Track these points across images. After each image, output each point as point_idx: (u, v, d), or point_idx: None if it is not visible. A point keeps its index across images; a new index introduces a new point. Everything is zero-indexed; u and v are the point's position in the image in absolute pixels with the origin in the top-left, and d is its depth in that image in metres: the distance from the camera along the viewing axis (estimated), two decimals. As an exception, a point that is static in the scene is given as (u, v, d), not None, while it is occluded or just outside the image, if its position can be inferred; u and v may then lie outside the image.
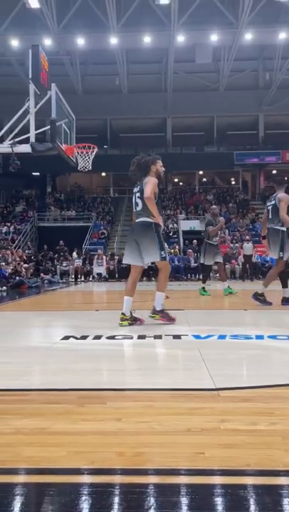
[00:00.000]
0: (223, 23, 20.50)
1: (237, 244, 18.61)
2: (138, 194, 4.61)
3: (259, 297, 6.10)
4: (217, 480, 1.26)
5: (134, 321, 4.43)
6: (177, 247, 19.46)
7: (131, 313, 4.45)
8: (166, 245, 4.80)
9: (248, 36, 20.59)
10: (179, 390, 2.13)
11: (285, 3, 19.37)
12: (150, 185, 4.48)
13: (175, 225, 22.25)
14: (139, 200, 4.59)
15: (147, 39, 20.88)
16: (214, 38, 20.71)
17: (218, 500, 1.15)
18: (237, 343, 3.42)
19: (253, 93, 26.19)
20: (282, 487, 1.23)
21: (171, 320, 4.44)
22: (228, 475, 1.27)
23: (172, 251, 18.63)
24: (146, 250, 4.46)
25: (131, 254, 4.57)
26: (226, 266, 17.26)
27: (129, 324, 4.36)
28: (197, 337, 3.60)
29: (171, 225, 22.25)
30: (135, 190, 4.70)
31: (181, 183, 29.34)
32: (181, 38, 20.83)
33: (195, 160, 25.97)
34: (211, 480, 1.26)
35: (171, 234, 21.62)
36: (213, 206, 10.44)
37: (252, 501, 1.15)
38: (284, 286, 6.20)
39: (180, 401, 1.97)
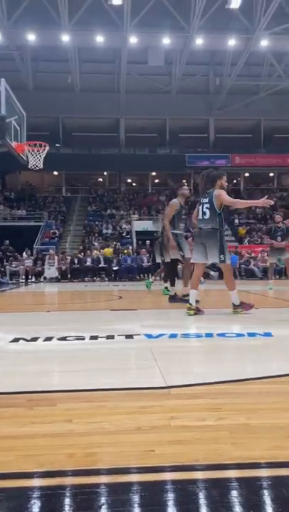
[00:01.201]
0: (175, 27, 20.83)
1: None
2: (207, 205, 5.16)
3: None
4: (166, 476, 1.28)
5: (198, 311, 5.05)
6: (130, 247, 19.52)
7: (195, 304, 5.03)
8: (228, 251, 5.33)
9: (199, 41, 21.04)
10: (131, 390, 2.14)
11: (234, 11, 19.98)
12: (224, 194, 5.14)
13: (128, 225, 22.31)
14: (207, 210, 5.14)
15: (100, 38, 20.81)
16: (166, 41, 21.00)
17: (168, 496, 1.17)
18: (187, 341, 3.49)
19: (204, 97, 26.80)
20: (229, 480, 1.27)
21: (251, 307, 5.10)
22: (178, 471, 1.30)
23: (125, 251, 18.67)
24: (211, 252, 5.09)
25: (198, 254, 5.17)
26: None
27: (194, 314, 4.98)
28: (149, 336, 3.63)
29: (124, 226, 22.29)
30: (204, 200, 5.24)
31: (134, 184, 29.48)
32: (133, 40, 20.93)
33: (148, 161, 26.18)
34: (160, 477, 1.27)
35: (124, 234, 21.67)
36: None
37: (201, 495, 1.18)
38: (172, 284, 6.51)
39: (131, 400, 1.98)
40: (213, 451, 1.42)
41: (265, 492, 1.20)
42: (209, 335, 3.71)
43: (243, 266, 17.67)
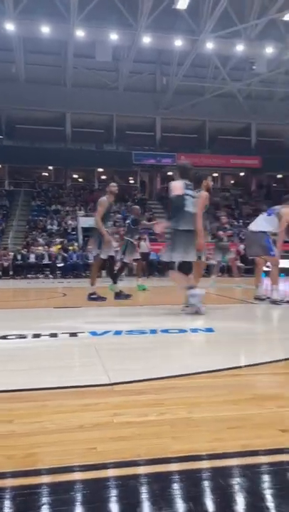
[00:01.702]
0: (123, 23, 20.79)
1: (135, 242, 19.00)
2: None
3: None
4: (108, 473, 1.28)
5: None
6: (76, 243, 19.28)
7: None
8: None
9: (147, 39, 21.14)
10: (74, 388, 2.12)
11: (181, 12, 20.27)
12: (202, 201, 5.24)
13: (74, 221, 22.01)
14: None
15: (45, 29, 20.31)
16: (114, 37, 20.89)
17: (109, 493, 1.17)
18: (132, 338, 3.51)
19: (151, 96, 26.98)
20: (170, 473, 1.29)
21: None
22: (119, 467, 1.30)
23: (71, 248, 18.43)
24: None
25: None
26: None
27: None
28: (93, 334, 3.62)
29: (70, 222, 21.97)
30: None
31: (80, 180, 29.12)
32: (80, 33, 20.64)
33: (94, 157, 25.96)
34: (101, 474, 1.27)
35: (69, 231, 21.36)
36: (135, 206, 10.24)
37: (141, 490, 1.19)
38: (114, 282, 6.87)
39: (74, 398, 1.97)
40: (155, 445, 1.44)
41: (205, 483, 1.23)
42: (153, 331, 3.75)
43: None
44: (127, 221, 9.07)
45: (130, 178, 29.06)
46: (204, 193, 5.45)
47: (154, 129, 27.81)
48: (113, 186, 6.87)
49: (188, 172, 5.29)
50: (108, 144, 27.17)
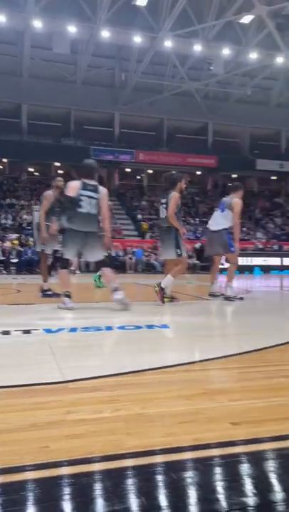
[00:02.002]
0: (82, 16, 20.52)
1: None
2: (164, 205, 5.65)
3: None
4: (61, 471, 1.27)
5: (171, 300, 5.66)
6: (31, 239, 18.86)
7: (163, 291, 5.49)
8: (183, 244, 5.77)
9: (106, 34, 20.98)
10: (27, 386, 2.08)
11: (140, 8, 20.27)
12: (174, 202, 5.53)
13: (29, 216, 21.51)
14: (164, 210, 5.65)
15: (1, 18, 19.67)
16: (72, 29, 20.57)
17: (62, 491, 1.17)
18: (88, 335, 3.49)
19: (110, 91, 26.82)
20: (123, 469, 1.30)
21: (161, 300, 5.46)
22: (72, 465, 1.29)
23: (27, 243, 18.03)
24: (167, 248, 5.63)
25: (161, 251, 5.85)
26: (81, 259, 17.42)
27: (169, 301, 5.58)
28: (48, 331, 3.56)
29: (25, 216, 21.46)
30: (163, 201, 5.73)
31: (36, 174, 28.49)
32: (38, 24, 20.15)
33: (51, 151, 25.49)
34: (54, 472, 1.26)
35: (24, 225, 20.87)
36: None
37: (94, 487, 1.19)
38: (45, 280, 6.59)
39: (27, 397, 1.93)
40: (109, 442, 1.45)
41: (158, 478, 1.25)
42: (109, 328, 3.75)
43: (144, 260, 18.15)
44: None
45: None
46: (175, 194, 5.61)
47: (112, 125, 27.68)
48: (59, 181, 6.90)
49: (93, 172, 5.27)
50: (66, 138, 26.76)
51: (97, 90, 26.13)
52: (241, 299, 6.32)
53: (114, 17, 20.34)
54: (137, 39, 21.42)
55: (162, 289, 5.50)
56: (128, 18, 21.05)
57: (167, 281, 5.54)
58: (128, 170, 28.82)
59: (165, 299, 5.54)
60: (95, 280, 8.77)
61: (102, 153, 26.21)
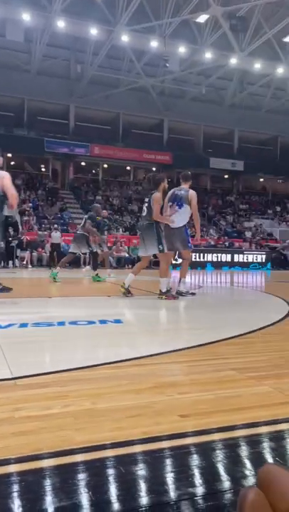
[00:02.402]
0: (37, 4, 19.96)
1: (45, 232, 18.54)
2: (146, 204, 5.92)
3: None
4: (7, 469, 1.25)
5: (128, 292, 5.86)
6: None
7: (128, 287, 5.88)
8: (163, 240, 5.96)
9: (61, 24, 20.54)
10: (-27, 384, 2.02)
11: (97, 1, 20.01)
12: (156, 203, 5.79)
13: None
14: (146, 209, 5.93)
15: None
16: (26, 17, 19.98)
17: (8, 489, 1.14)
18: (38, 330, 3.43)
19: (65, 82, 26.32)
20: (71, 465, 1.29)
21: (174, 298, 5.79)
22: (19, 462, 1.27)
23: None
24: (150, 244, 5.84)
25: (142, 248, 6.01)
26: (33, 253, 17.06)
27: (124, 294, 5.81)
28: (-3, 327, 3.47)
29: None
30: (146, 200, 6.01)
31: (-14, 165, 27.50)
32: (-10, 9, 19.40)
33: (3, 141, 24.65)
34: (1, 470, 1.24)
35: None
36: (96, 204, 11.21)
37: (42, 483, 1.18)
38: None
39: (-27, 395, 1.87)
40: (58, 438, 1.44)
41: (106, 472, 1.25)
42: (61, 323, 3.71)
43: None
44: (85, 216, 9.71)
45: (42, 165, 28.16)
46: (157, 195, 5.84)
47: (67, 117, 27.20)
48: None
49: None
50: (18, 129, 25.99)
51: (52, 81, 25.55)
52: (193, 294, 6.46)
53: (70, 7, 19.94)
54: (93, 31, 21.14)
55: (167, 292, 5.85)
56: (84, 9, 20.71)
57: (163, 283, 5.86)
58: (83, 164, 28.48)
59: (122, 289, 5.89)
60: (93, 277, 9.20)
61: (56, 146, 25.72)
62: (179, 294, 6.27)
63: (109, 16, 20.96)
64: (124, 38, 21.57)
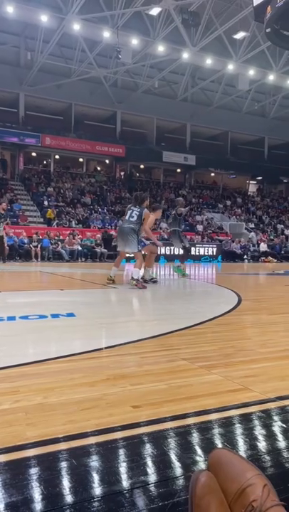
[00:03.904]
0: (-16, -14, 19.11)
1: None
2: (136, 213, 6.94)
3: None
4: None
5: (112, 282, 6.97)
6: None
7: (112, 277, 7.07)
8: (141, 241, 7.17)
9: (10, 9, 19.79)
10: None
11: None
12: (149, 219, 7.06)
13: None
14: (135, 216, 6.92)
15: None
16: (-27, -1, 19.08)
17: None
18: (-13, 326, 3.33)
19: (14, 70, 25.47)
20: (22, 460, 1.27)
21: (143, 287, 6.45)
22: None
23: None
24: (130, 244, 6.85)
25: (120, 246, 7.05)
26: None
27: (107, 282, 6.96)
28: None
29: None
30: (134, 208, 7.01)
31: None
32: None
33: None
34: None
35: None
36: (179, 198, 11.81)
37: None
38: None
39: None
40: (7, 434, 1.41)
41: (57, 465, 1.25)
42: (12, 318, 3.62)
43: (51, 248, 17.74)
44: (173, 212, 9.98)
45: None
46: (148, 211, 7.03)
47: (17, 106, 26.36)
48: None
49: None
50: None
51: (1, 68, 24.63)
52: (155, 281, 7.44)
53: (19, -8, 19.27)
54: (44, 18, 20.53)
55: (137, 280, 6.55)
56: (34, -6, 20.09)
57: (136, 272, 6.68)
58: (34, 154, 27.76)
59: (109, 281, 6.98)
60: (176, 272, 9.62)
61: (5, 135, 24.88)
62: (144, 280, 7.07)
63: (60, 3, 20.45)
64: (76, 27, 21.13)
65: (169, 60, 24.77)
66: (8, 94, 25.74)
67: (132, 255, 7.80)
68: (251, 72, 24.77)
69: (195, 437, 1.44)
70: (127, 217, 7.03)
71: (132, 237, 6.86)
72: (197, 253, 20.11)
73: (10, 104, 26.15)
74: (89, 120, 28.38)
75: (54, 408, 1.64)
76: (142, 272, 7.07)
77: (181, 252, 10.74)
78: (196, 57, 23.58)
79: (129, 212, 7.02)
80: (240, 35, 22.85)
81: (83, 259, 17.96)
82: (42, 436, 1.39)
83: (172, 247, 11.37)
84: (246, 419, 1.57)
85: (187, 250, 11.11)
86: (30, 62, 25.08)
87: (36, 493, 1.10)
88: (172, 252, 16.13)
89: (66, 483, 1.16)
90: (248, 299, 5.47)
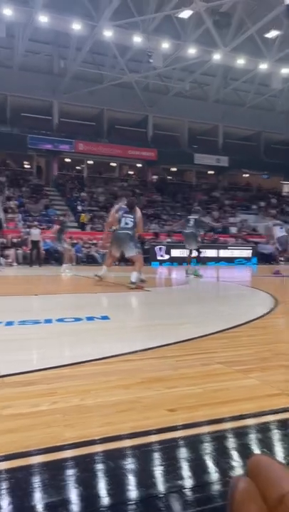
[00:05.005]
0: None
1: (26, 230, 18.29)
2: (131, 219, 7.42)
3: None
4: (-4, 467, 1.25)
5: (100, 280, 7.59)
6: None
7: (101, 276, 7.70)
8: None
9: (43, 19, 20.29)
10: None
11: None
12: (142, 221, 7.88)
13: None
14: (130, 222, 7.40)
15: None
16: (8, 12, 19.68)
17: (-3, 487, 1.14)
18: (25, 328, 3.41)
19: (48, 78, 26.05)
20: (61, 461, 1.29)
21: (142, 288, 6.77)
22: (7, 460, 1.27)
23: None
24: (128, 248, 7.35)
25: (116, 249, 7.51)
26: (18, 251, 16.90)
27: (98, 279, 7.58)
28: (-17, 325, 3.43)
29: None
30: (128, 215, 7.46)
31: None
32: None
33: (-14, 138, 24.35)
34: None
35: None
36: (198, 207, 12.49)
37: (31, 480, 1.18)
38: None
39: None
40: (46, 435, 1.43)
41: (95, 467, 1.26)
42: (48, 321, 3.69)
43: (84, 252, 17.98)
44: (195, 217, 10.63)
45: (25, 162, 27.87)
46: (140, 216, 7.68)
47: (51, 113, 26.94)
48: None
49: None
50: (1, 125, 25.66)
51: (35, 77, 25.25)
52: (143, 281, 7.56)
53: (51, 2, 19.70)
54: (76, 26, 20.92)
55: (134, 283, 6.81)
56: (67, 4, 20.49)
57: (134, 275, 6.94)
58: (68, 160, 28.25)
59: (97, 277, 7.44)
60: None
61: (39, 142, 25.46)
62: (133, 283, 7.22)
63: (92, 11, 20.78)
64: (108, 34, 21.41)
65: (200, 62, 24.66)
66: (43, 102, 26.35)
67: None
68: (284, 70, 24.30)
69: (232, 442, 1.42)
70: (122, 225, 7.41)
71: (130, 242, 7.32)
72: (230, 255, 19.85)
73: (44, 111, 26.77)
74: (121, 125, 28.63)
75: (91, 410, 1.66)
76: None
77: (195, 253, 11.02)
78: (227, 57, 23.36)
79: (123, 219, 7.43)
80: (272, 34, 22.49)
81: (116, 263, 18.08)
82: (79, 438, 1.41)
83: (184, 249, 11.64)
84: (285, 425, 1.54)
85: (199, 252, 11.39)
86: (63, 70, 25.59)
87: (73, 495, 1.11)
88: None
89: (103, 485, 1.17)
90: (286, 302, 5.35)
